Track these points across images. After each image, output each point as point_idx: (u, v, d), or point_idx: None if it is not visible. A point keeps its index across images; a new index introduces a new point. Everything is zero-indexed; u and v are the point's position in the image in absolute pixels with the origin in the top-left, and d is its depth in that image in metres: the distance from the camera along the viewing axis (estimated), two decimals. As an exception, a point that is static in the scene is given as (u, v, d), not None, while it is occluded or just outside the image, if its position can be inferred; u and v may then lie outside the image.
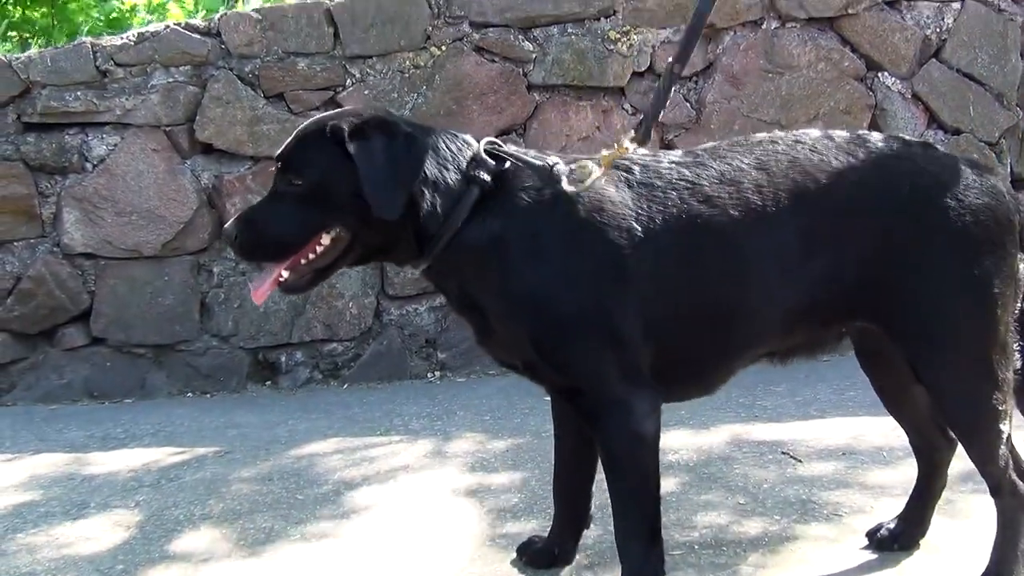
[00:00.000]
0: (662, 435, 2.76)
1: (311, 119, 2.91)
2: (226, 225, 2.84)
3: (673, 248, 2.68)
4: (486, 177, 2.76)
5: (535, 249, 2.68)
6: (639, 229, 2.67)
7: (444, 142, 2.82)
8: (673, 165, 2.79)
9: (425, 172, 2.73)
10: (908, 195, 2.71)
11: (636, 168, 2.79)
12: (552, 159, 2.81)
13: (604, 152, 2.86)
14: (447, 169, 2.77)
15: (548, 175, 2.76)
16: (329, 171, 2.71)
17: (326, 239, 2.75)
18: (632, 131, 2.93)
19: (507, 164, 2.80)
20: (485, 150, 2.82)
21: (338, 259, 2.80)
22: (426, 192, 2.72)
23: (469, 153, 2.82)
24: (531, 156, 2.84)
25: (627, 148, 2.86)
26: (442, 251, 2.75)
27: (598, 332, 2.65)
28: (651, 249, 2.66)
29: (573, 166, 2.79)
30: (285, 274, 2.78)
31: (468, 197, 2.74)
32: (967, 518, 3.46)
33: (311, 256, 2.76)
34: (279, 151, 2.84)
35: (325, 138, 2.74)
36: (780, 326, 2.78)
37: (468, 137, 2.89)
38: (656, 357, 2.73)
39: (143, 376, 6.53)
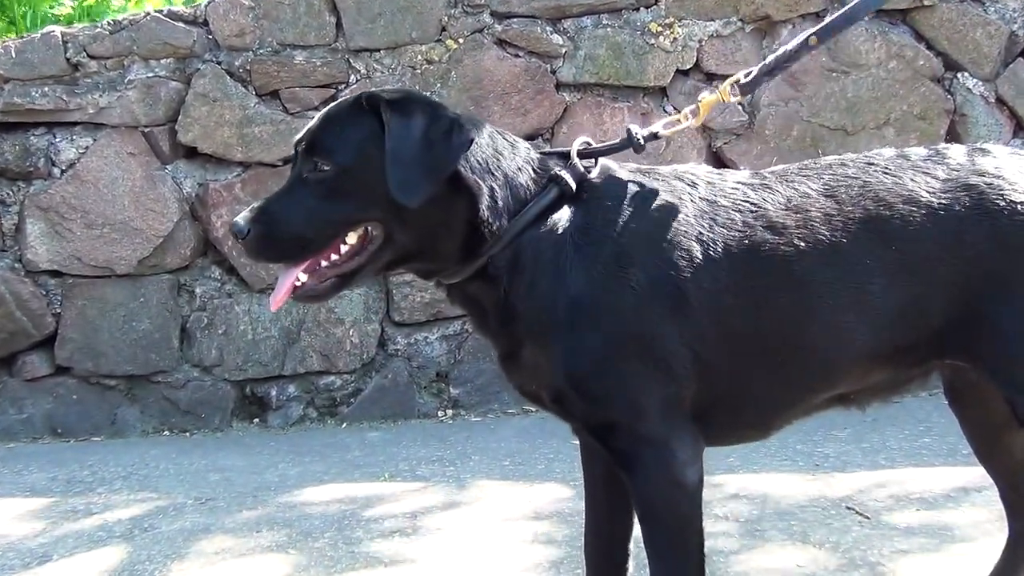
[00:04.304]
0: (708, 486, 2.74)
1: (344, 97, 2.88)
2: (236, 218, 2.75)
3: (733, 275, 2.68)
4: (570, 180, 2.78)
5: (591, 255, 2.70)
6: (699, 250, 2.68)
7: (517, 143, 2.88)
8: (739, 186, 2.81)
9: (491, 164, 2.76)
10: (999, 215, 2.68)
11: (701, 184, 2.81)
12: (635, 128, 2.95)
13: (703, 95, 3.00)
14: (523, 165, 2.82)
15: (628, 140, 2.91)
16: (365, 151, 2.69)
17: (352, 237, 2.72)
18: (740, 74, 3.02)
19: (596, 169, 2.84)
20: (579, 151, 2.86)
21: (367, 263, 2.76)
22: (492, 185, 2.74)
23: (554, 158, 2.89)
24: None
25: (729, 92, 2.99)
26: (498, 253, 2.74)
27: (643, 357, 2.64)
28: (710, 274, 2.67)
29: (664, 121, 3.01)
30: (303, 278, 2.73)
31: (543, 197, 2.77)
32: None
33: (334, 257, 2.73)
34: (302, 132, 2.80)
35: (360, 111, 2.73)
36: (854, 368, 2.76)
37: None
38: (703, 395, 2.72)
39: (114, 411, 6.55)
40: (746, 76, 3.02)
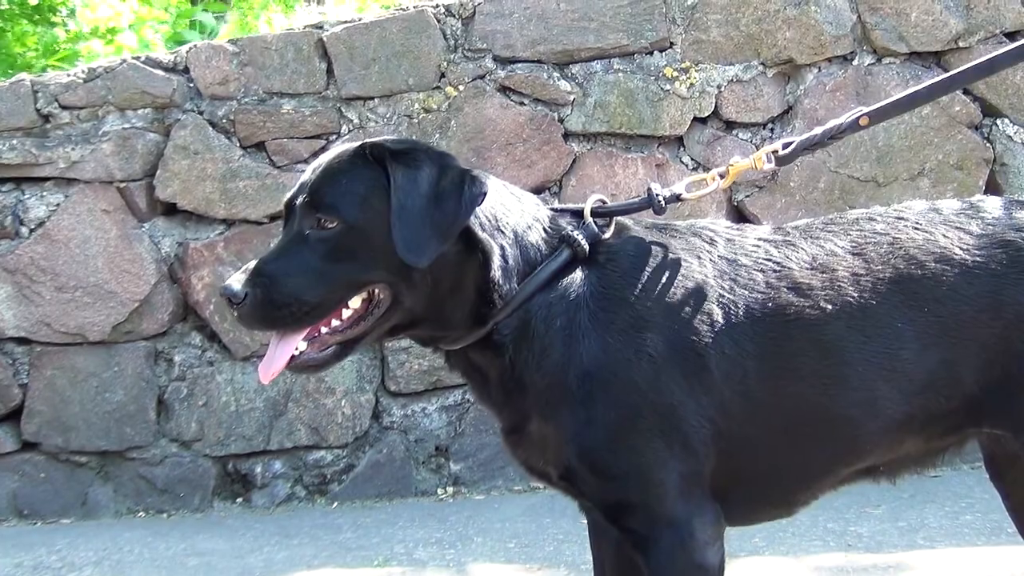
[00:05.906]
0: (729, 567, 2.75)
1: (341, 146, 2.87)
2: (228, 281, 2.70)
3: (756, 341, 2.70)
4: (583, 242, 2.80)
5: (606, 321, 2.72)
6: (720, 314, 2.70)
7: (523, 197, 2.91)
8: (760, 243, 2.84)
9: (500, 221, 2.78)
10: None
11: (720, 241, 2.84)
12: (656, 187, 2.98)
13: (736, 159, 3.05)
14: (533, 223, 2.83)
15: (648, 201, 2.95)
16: (372, 206, 2.68)
17: (356, 301, 2.71)
18: (779, 144, 3.06)
19: (611, 229, 2.87)
20: (593, 209, 2.89)
21: (372, 328, 2.75)
22: (502, 244, 2.76)
23: (566, 216, 2.92)
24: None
25: (763, 160, 3.03)
26: (505, 319, 2.76)
27: (661, 431, 2.66)
28: (731, 339, 2.69)
29: (688, 181, 3.04)
30: (302, 346, 2.71)
31: (554, 260, 2.79)
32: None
33: (335, 323, 2.72)
34: (299, 185, 2.77)
35: (364, 162, 2.73)
36: (884, 438, 2.78)
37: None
38: (724, 470, 2.73)
39: (85, 491, 6.53)
40: (785, 147, 3.04)
